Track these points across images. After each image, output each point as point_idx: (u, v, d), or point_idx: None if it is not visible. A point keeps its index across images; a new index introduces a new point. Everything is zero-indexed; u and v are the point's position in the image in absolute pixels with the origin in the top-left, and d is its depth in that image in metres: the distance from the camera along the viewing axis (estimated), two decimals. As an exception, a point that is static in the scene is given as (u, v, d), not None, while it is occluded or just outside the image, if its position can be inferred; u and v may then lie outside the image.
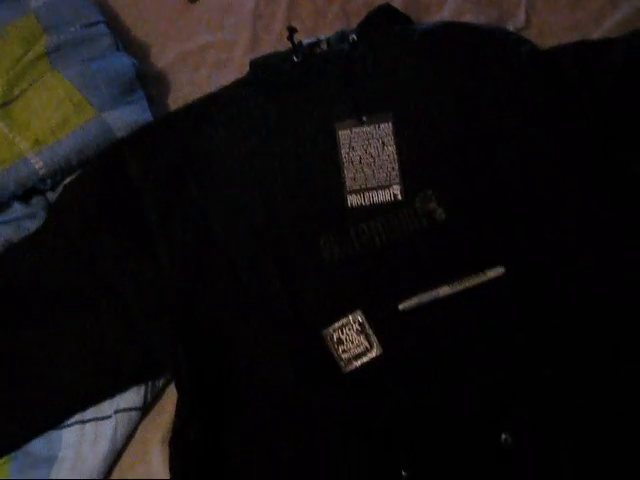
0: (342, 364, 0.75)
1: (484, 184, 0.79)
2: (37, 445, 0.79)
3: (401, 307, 0.75)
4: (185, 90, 1.00)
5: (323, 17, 1.02)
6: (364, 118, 0.83)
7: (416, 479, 0.70)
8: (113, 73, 0.91)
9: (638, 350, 0.72)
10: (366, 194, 0.81)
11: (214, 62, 1.03)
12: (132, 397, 0.80)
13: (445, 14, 1.00)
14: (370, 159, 0.82)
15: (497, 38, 0.88)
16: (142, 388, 0.80)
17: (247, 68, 0.90)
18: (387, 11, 0.91)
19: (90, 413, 0.79)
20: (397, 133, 0.82)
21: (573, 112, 0.81)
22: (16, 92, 0.90)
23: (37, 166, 0.86)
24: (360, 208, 0.80)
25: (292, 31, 0.87)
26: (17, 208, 0.87)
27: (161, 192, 0.82)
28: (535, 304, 0.74)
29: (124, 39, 1.02)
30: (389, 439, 0.71)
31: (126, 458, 0.80)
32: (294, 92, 0.85)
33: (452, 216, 0.78)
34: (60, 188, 0.87)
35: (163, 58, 1.04)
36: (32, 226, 0.86)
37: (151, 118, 0.91)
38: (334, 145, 0.82)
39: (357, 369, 0.74)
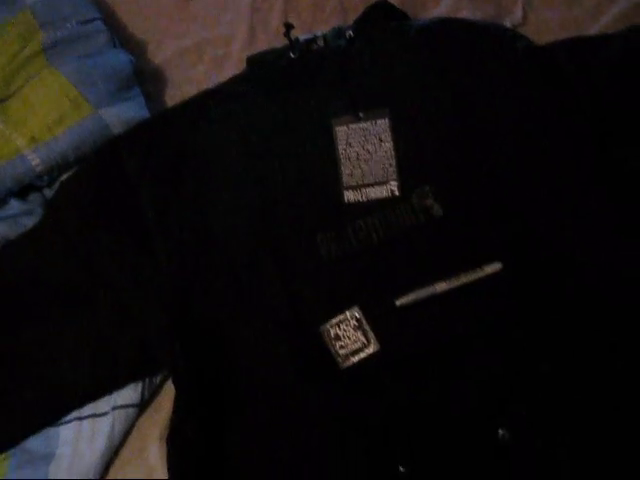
0: (339, 360, 0.75)
1: (481, 180, 0.79)
2: (35, 442, 0.79)
3: (398, 303, 0.75)
4: (182, 87, 1.00)
5: (320, 13, 1.03)
6: (361, 114, 0.83)
7: (413, 475, 0.69)
8: (110, 70, 0.91)
9: (636, 346, 0.72)
10: (363, 190, 0.81)
11: (211, 58, 1.03)
12: (129, 394, 0.79)
13: (442, 10, 1.00)
14: (367, 155, 0.82)
15: (493, 34, 0.88)
16: (139, 385, 0.80)
17: (244, 64, 0.90)
18: (384, 7, 0.91)
19: (87, 410, 0.79)
20: (394, 129, 0.82)
21: (570, 108, 0.81)
22: (12, 89, 0.90)
23: (34, 163, 0.86)
24: (357, 204, 0.80)
25: (289, 27, 0.87)
26: (14, 205, 0.87)
27: (158, 189, 0.81)
28: (532, 300, 0.74)
29: (121, 36, 1.02)
30: (387, 435, 0.71)
31: (124, 455, 0.80)
32: (291, 88, 0.85)
33: (449, 212, 0.78)
34: (57, 185, 0.87)
35: (160, 54, 1.04)
36: (29, 223, 0.86)
37: (148, 115, 0.91)
38: (331, 141, 0.82)
39: (354, 365, 0.74)
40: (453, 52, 0.85)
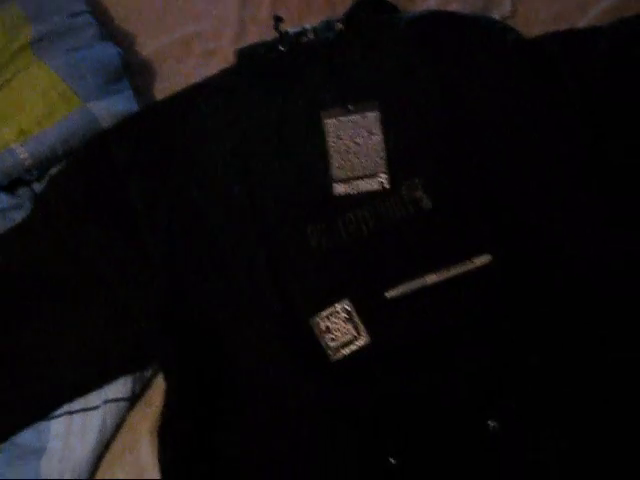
0: (330, 353, 0.75)
1: (470, 172, 0.79)
2: (25, 436, 0.79)
3: (388, 295, 0.75)
4: (171, 80, 0.99)
5: (309, 6, 1.03)
6: (350, 107, 0.83)
7: (404, 466, 0.70)
8: (98, 63, 0.91)
9: (625, 339, 0.72)
10: (353, 183, 0.81)
11: (200, 52, 1.03)
12: (120, 387, 0.79)
13: (431, 3, 1.00)
14: (356, 148, 0.82)
15: (483, 27, 0.88)
16: (130, 378, 0.80)
17: (233, 58, 0.90)
18: (373, 0, 0.91)
19: (78, 404, 0.79)
20: (383, 122, 0.82)
21: (559, 100, 0.81)
22: (0, 82, 0.90)
23: (22, 156, 0.85)
24: (347, 197, 0.80)
25: (278, 20, 0.87)
26: (3, 199, 0.87)
27: (147, 182, 0.81)
28: (522, 292, 0.74)
29: (109, 29, 1.02)
30: (377, 427, 0.71)
31: (115, 449, 0.80)
32: (280, 81, 0.85)
33: (439, 204, 0.78)
34: (46, 179, 0.87)
35: (149, 48, 1.03)
36: (18, 217, 0.85)
37: (137, 108, 0.91)
38: (320, 134, 0.82)
39: (345, 357, 0.74)
40: (442, 45, 0.85)
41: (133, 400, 0.81)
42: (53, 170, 0.88)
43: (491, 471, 0.69)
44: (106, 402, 0.79)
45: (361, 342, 0.75)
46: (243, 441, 0.74)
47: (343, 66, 0.85)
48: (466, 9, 0.97)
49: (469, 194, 0.79)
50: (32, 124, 0.86)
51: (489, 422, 0.70)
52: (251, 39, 0.97)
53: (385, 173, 0.81)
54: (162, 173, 0.82)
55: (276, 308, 0.76)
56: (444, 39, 0.86)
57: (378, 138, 0.82)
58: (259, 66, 0.87)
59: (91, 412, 0.79)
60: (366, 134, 0.82)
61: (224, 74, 0.89)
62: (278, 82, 0.85)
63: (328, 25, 0.87)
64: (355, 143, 0.82)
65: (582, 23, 0.95)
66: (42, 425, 0.79)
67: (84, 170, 0.85)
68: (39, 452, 0.77)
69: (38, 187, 0.88)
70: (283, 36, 0.87)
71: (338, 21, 0.87)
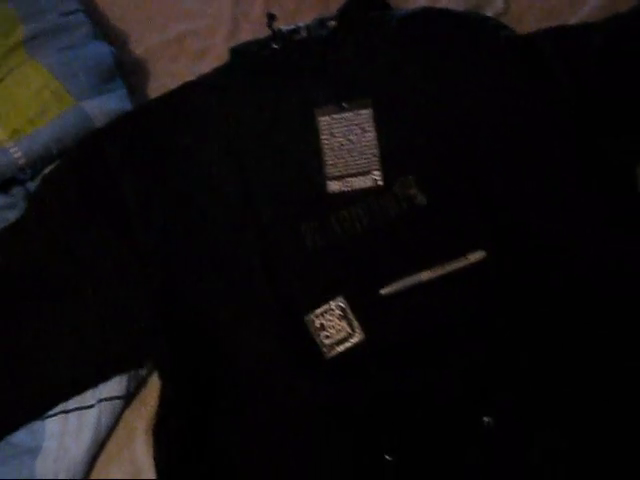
0: (325, 350, 0.75)
1: (464, 169, 0.80)
2: (20, 436, 0.78)
3: (383, 292, 0.75)
4: (164, 79, 0.99)
5: (302, 3, 1.02)
6: (344, 104, 0.83)
7: (400, 463, 0.70)
8: (91, 62, 0.91)
9: (622, 338, 0.72)
10: (346, 180, 0.81)
11: (194, 50, 1.03)
12: (115, 386, 0.79)
13: (423, 0, 1.00)
14: (350, 145, 0.82)
15: (476, 23, 0.88)
16: (125, 377, 0.80)
17: (227, 56, 0.90)
18: (366, -3, 0.91)
19: (73, 403, 0.79)
20: (377, 119, 0.82)
21: (553, 98, 0.81)
22: (-7, 81, 0.90)
23: (16, 155, 0.85)
24: (341, 194, 0.80)
25: (271, 18, 0.87)
26: (-4, 198, 0.87)
27: (140, 181, 0.81)
28: (516, 289, 0.74)
29: (102, 27, 1.01)
30: (372, 424, 0.71)
31: (110, 448, 0.80)
32: (274, 79, 0.85)
33: (433, 201, 0.79)
34: (40, 178, 0.87)
35: (142, 46, 1.03)
36: (12, 216, 0.85)
37: (130, 107, 0.91)
38: (314, 131, 0.82)
39: (340, 354, 0.74)
40: (435, 42, 0.86)
41: (128, 399, 0.81)
42: (47, 169, 0.87)
43: (486, 467, 0.69)
44: (101, 401, 0.78)
45: (356, 339, 0.75)
46: (238, 439, 0.74)
47: (336, 63, 0.85)
48: (458, 6, 0.97)
49: (463, 191, 0.79)
50: (25, 123, 0.86)
51: (484, 418, 0.70)
52: (244, 37, 0.97)
53: (379, 170, 0.81)
54: (156, 172, 0.82)
55: (271, 306, 0.76)
56: (436, 36, 0.86)
57: (372, 135, 0.82)
58: (252, 64, 0.87)
59: (86, 411, 0.78)
60: (360, 131, 0.82)
61: (217, 72, 0.89)
62: (271, 80, 0.85)
63: (321, 23, 0.87)
64: (349, 140, 0.82)
65: (574, 19, 0.95)
66: (37, 425, 0.78)
67: (77, 169, 0.84)
68: (34, 452, 0.77)
69: (32, 186, 0.88)
70: (276, 34, 0.87)
71: (331, 19, 0.87)
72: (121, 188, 0.81)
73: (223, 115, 0.84)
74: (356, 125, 0.82)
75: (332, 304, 0.76)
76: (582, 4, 0.97)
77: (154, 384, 0.81)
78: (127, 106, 0.90)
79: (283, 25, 0.88)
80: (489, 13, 0.96)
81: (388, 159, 0.81)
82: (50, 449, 0.77)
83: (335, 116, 0.83)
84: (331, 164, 0.81)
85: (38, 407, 0.79)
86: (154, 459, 0.74)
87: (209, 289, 0.78)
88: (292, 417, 0.73)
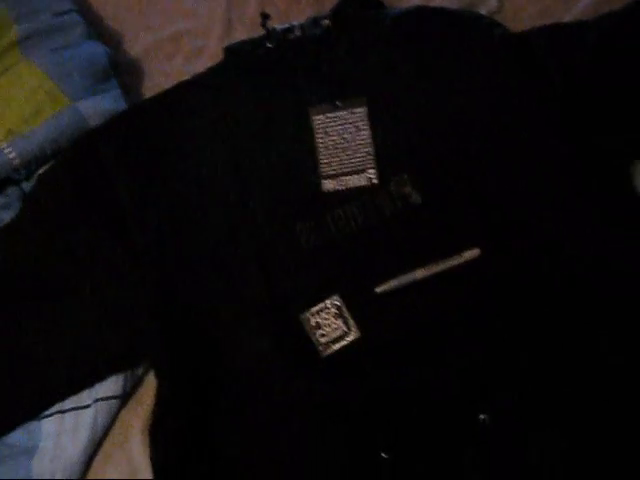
0: (320, 348, 0.75)
1: (459, 168, 0.80)
2: (16, 436, 0.78)
3: (378, 290, 0.75)
4: (159, 78, 0.99)
5: (296, 3, 1.02)
6: (338, 103, 0.83)
7: (396, 460, 0.70)
8: (86, 61, 0.91)
9: (620, 337, 0.72)
10: (341, 179, 0.81)
11: (188, 50, 1.03)
12: (111, 386, 0.79)
13: (417, -1, 1.00)
14: (345, 144, 0.82)
15: (469, 22, 0.88)
16: (121, 377, 0.80)
17: (221, 55, 0.90)
18: (359, -4, 0.91)
19: (69, 403, 0.79)
20: (372, 117, 0.82)
21: (547, 96, 0.82)
22: (-13, 81, 0.89)
23: (11, 156, 0.85)
24: (336, 193, 0.80)
25: (265, 17, 0.87)
26: (-9, 199, 0.87)
27: (135, 180, 0.81)
28: (513, 288, 0.74)
29: (97, 27, 1.01)
30: (367, 422, 0.71)
31: (106, 447, 0.80)
32: (268, 78, 0.85)
33: (427, 199, 0.79)
34: (35, 178, 0.87)
35: (137, 46, 1.03)
36: (7, 217, 0.85)
37: (125, 107, 0.91)
38: (308, 130, 0.82)
39: (335, 353, 0.74)
40: (429, 40, 0.86)
41: (124, 398, 0.81)
42: (42, 170, 0.87)
43: (483, 465, 0.69)
44: (97, 401, 0.79)
45: (351, 337, 0.75)
46: (235, 438, 0.74)
47: (330, 62, 0.85)
48: (453, 4, 0.97)
49: (458, 189, 0.79)
50: (20, 123, 0.86)
51: (480, 416, 0.70)
52: (239, 36, 0.97)
53: (374, 169, 0.81)
54: (150, 171, 0.82)
55: (266, 305, 0.76)
56: (431, 35, 0.86)
57: (366, 134, 0.82)
58: (247, 63, 0.87)
59: (82, 411, 0.78)
60: (354, 130, 0.82)
61: (212, 72, 0.89)
62: (266, 79, 0.85)
63: (315, 22, 0.87)
64: (343, 139, 0.82)
65: (568, 17, 0.95)
66: (33, 425, 0.78)
67: (72, 169, 0.84)
68: (30, 452, 0.77)
69: (27, 187, 0.88)
70: (270, 33, 0.87)
71: (325, 18, 0.87)
72: (116, 188, 0.81)
73: (218, 114, 0.84)
74: (350, 124, 0.82)
75: (328, 302, 0.76)
76: (576, 2, 0.97)
77: (150, 383, 0.81)
78: (122, 106, 0.90)
79: (277, 24, 0.88)
80: (483, 11, 0.96)
81: (383, 157, 0.81)
82: (46, 449, 0.77)
83: (329, 115, 0.83)
84: (326, 163, 0.81)
85: (34, 407, 0.79)
86: (151, 459, 0.74)
87: (205, 288, 0.78)
88: (289, 415, 0.73)
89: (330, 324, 0.75)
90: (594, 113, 0.80)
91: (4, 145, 0.85)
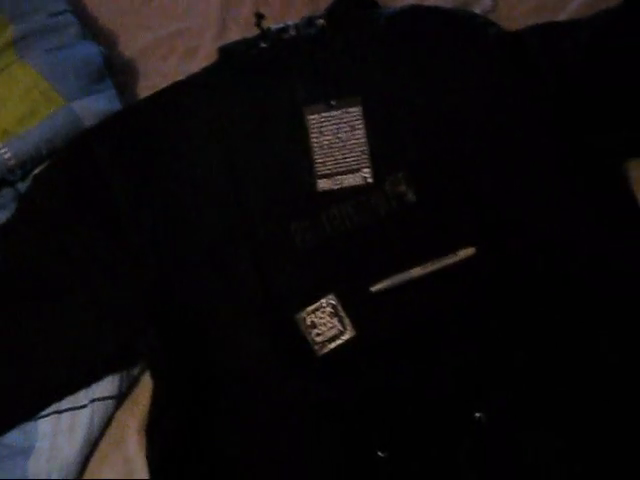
0: (316, 348, 0.75)
1: (454, 167, 0.80)
2: (13, 437, 0.78)
3: (374, 289, 0.75)
4: (154, 79, 0.99)
5: (291, 2, 1.02)
6: (333, 102, 0.83)
7: (393, 459, 0.70)
8: (81, 62, 0.91)
9: (617, 338, 0.72)
10: (336, 178, 0.81)
11: (183, 50, 1.03)
12: (107, 386, 0.79)
13: (411, -2, 1.00)
14: (340, 143, 0.82)
15: (464, 21, 0.88)
16: (117, 377, 0.80)
17: (216, 55, 0.90)
18: (354, -5, 0.91)
19: (66, 403, 0.79)
20: (366, 117, 0.83)
21: (541, 95, 0.82)
22: (-18, 82, 0.89)
23: (6, 156, 0.85)
24: (331, 192, 0.80)
25: (260, 17, 0.87)
26: (-14, 199, 0.87)
27: (130, 181, 0.81)
28: (508, 287, 0.74)
29: (91, 28, 1.01)
30: (363, 421, 0.71)
31: (103, 447, 0.80)
32: (262, 77, 0.85)
33: (422, 198, 0.79)
34: (30, 179, 0.87)
35: (131, 47, 1.03)
36: (2, 217, 0.85)
37: (119, 107, 0.91)
38: (303, 130, 0.83)
39: (331, 352, 0.74)
40: (423, 39, 0.86)
41: (120, 398, 0.81)
42: (37, 170, 0.87)
43: (478, 463, 0.69)
44: (93, 401, 0.78)
45: (347, 336, 0.75)
46: (232, 437, 0.74)
47: (325, 62, 0.85)
48: (447, 3, 0.97)
49: (452, 188, 0.79)
50: (15, 124, 0.86)
51: (476, 414, 0.70)
52: (233, 36, 0.97)
53: (368, 168, 0.81)
54: (145, 172, 0.82)
55: (262, 305, 0.76)
56: (425, 34, 0.86)
57: (361, 133, 0.82)
58: (241, 63, 0.87)
59: (79, 411, 0.78)
60: (349, 129, 0.82)
61: (206, 72, 0.89)
62: (260, 78, 0.85)
63: (310, 21, 0.87)
64: (338, 138, 0.82)
65: (562, 16, 0.95)
66: (29, 425, 0.78)
67: (67, 170, 0.84)
68: (27, 452, 0.77)
69: (22, 187, 0.88)
70: (265, 33, 0.87)
71: (319, 17, 0.87)
72: (111, 188, 0.81)
73: (212, 114, 0.84)
74: (345, 123, 0.83)
75: (323, 302, 0.76)
76: (570, 0, 0.97)
77: (146, 383, 0.81)
78: (116, 106, 0.90)
79: (272, 24, 0.88)
80: (477, 10, 0.96)
81: (378, 157, 0.81)
82: (43, 449, 0.77)
83: (324, 114, 0.83)
84: (321, 162, 0.81)
85: (31, 407, 0.79)
86: (147, 458, 0.74)
87: (201, 288, 0.78)
88: (285, 415, 0.73)
89: (326, 323, 0.75)
90: (587, 112, 0.80)
91: (0, 145, 0.85)
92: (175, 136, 0.84)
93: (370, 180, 0.80)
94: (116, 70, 0.98)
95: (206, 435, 0.73)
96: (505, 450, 0.69)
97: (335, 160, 0.81)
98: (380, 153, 0.81)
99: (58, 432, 0.78)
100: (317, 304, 0.76)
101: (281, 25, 0.87)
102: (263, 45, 0.86)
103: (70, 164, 0.85)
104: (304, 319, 0.76)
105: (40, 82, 0.88)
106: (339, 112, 0.83)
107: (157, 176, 0.82)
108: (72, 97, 0.88)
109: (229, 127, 0.83)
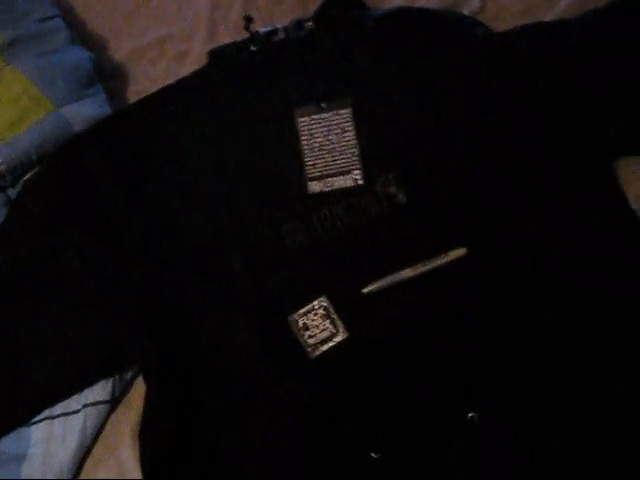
0: (309, 350, 0.75)
1: (444, 167, 0.80)
2: (6, 443, 0.78)
3: (365, 291, 0.75)
4: (144, 83, 0.99)
5: (280, 5, 1.02)
6: (323, 104, 0.83)
7: (386, 460, 0.70)
8: (70, 67, 0.91)
9: (610, 338, 0.72)
10: (327, 180, 0.81)
11: (172, 54, 1.03)
12: (99, 391, 0.79)
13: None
14: (330, 145, 0.82)
15: (453, 22, 0.89)
16: (109, 382, 0.80)
17: (205, 59, 0.90)
18: (342, -3, 0.91)
19: (58, 409, 0.79)
20: (356, 119, 0.83)
21: (530, 95, 0.82)
22: (-29, 88, 0.89)
23: (-3, 162, 0.85)
24: (322, 194, 0.81)
25: (249, 20, 0.87)
26: (-23, 205, 0.87)
27: (120, 185, 0.81)
28: (501, 288, 0.75)
29: (81, 33, 1.01)
30: (356, 422, 0.71)
31: (96, 453, 0.80)
32: (252, 80, 0.85)
33: (413, 199, 0.79)
34: (20, 184, 0.87)
35: (121, 51, 1.03)
36: (-7, 223, 0.85)
37: (109, 112, 0.90)
38: (294, 132, 0.83)
39: (323, 354, 0.75)
40: (412, 41, 0.86)
41: (113, 403, 0.81)
42: (28, 176, 0.87)
43: (471, 464, 0.69)
44: (86, 406, 0.78)
45: (339, 338, 0.75)
46: (224, 439, 0.74)
47: (314, 64, 0.85)
48: (435, 4, 0.97)
49: (443, 189, 0.79)
50: (4, 129, 0.86)
51: (469, 414, 0.70)
52: (223, 40, 0.96)
53: (359, 170, 0.81)
54: (135, 176, 0.82)
55: (254, 307, 0.77)
56: (414, 35, 0.86)
57: (351, 135, 0.82)
58: (231, 66, 0.87)
59: (72, 416, 0.78)
60: (339, 131, 0.82)
61: (196, 75, 0.89)
62: (250, 81, 0.85)
63: (299, 24, 0.87)
64: (328, 140, 0.82)
65: (551, 16, 0.95)
66: (22, 431, 0.78)
67: (57, 175, 0.84)
68: (20, 458, 0.77)
69: (13, 193, 0.88)
70: (254, 36, 0.87)
71: (308, 20, 0.87)
72: (101, 193, 0.81)
73: (202, 118, 0.84)
74: (335, 125, 0.83)
75: (315, 304, 0.76)
76: (558, 0, 0.97)
77: (139, 388, 0.80)
78: (106, 111, 0.90)
79: (261, 27, 0.88)
80: (466, 11, 0.96)
81: (368, 158, 0.81)
82: (36, 455, 0.77)
83: (314, 116, 0.83)
84: (311, 164, 0.82)
85: (24, 413, 0.79)
86: (140, 461, 0.74)
87: (193, 291, 0.78)
88: (278, 416, 0.73)
89: (318, 325, 0.75)
90: (577, 111, 0.81)
91: (-11, 151, 0.85)
92: (165, 140, 0.84)
93: (361, 182, 0.81)
94: (106, 74, 0.98)
95: (199, 436, 0.73)
96: (496, 450, 0.69)
97: (326, 162, 0.81)
98: (370, 155, 0.81)
99: (51, 438, 0.77)
100: (309, 306, 0.76)
101: (270, 28, 0.87)
102: (253, 48, 0.86)
103: (60, 169, 0.85)
104: (296, 321, 0.76)
105: (29, 87, 0.88)
106: (329, 114, 0.83)
107: (147, 180, 0.82)
108: (62, 102, 0.88)
109: (220, 130, 0.83)
